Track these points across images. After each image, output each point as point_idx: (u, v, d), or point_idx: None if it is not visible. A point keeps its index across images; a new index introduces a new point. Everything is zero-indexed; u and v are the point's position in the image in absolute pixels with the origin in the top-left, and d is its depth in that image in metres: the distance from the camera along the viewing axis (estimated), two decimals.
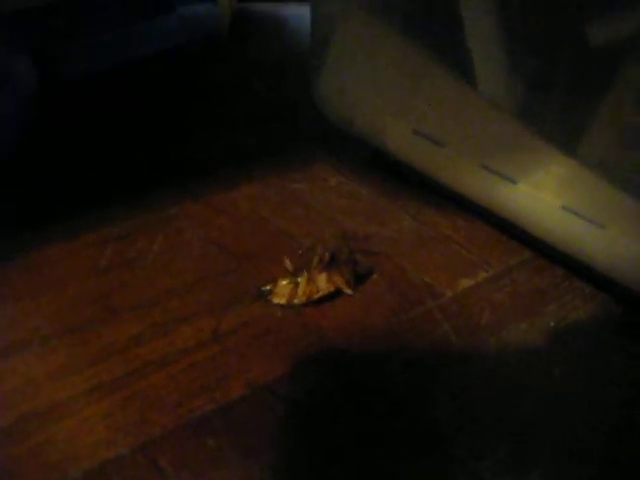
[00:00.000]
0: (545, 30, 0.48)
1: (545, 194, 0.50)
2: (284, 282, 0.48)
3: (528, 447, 0.39)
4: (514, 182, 0.51)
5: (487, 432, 0.40)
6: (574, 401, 0.42)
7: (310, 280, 0.48)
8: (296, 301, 0.47)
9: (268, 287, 0.48)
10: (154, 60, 0.77)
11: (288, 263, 0.50)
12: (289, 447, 0.38)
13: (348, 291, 0.48)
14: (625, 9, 0.44)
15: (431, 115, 0.56)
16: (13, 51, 0.59)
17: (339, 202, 0.59)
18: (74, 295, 0.48)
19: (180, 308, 0.47)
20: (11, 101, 0.58)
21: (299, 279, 0.48)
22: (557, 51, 0.48)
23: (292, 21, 0.97)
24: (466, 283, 0.50)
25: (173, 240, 0.53)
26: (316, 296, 0.47)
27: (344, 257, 0.50)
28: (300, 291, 0.47)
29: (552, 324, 0.47)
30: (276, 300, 0.47)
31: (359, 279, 0.50)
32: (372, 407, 0.41)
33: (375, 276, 0.50)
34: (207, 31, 0.80)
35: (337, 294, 0.48)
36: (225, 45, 0.86)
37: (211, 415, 0.40)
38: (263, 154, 0.65)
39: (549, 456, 0.38)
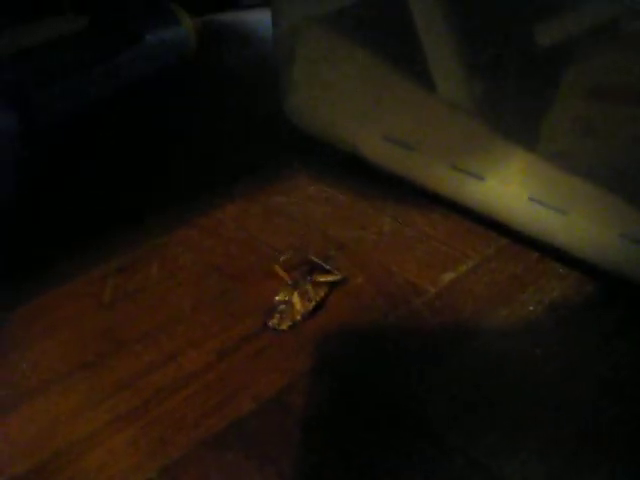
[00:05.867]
0: (494, 30, 0.51)
1: (512, 187, 0.53)
2: (282, 306, 0.51)
3: (518, 429, 0.42)
4: (482, 179, 0.54)
5: (481, 421, 0.43)
6: (556, 379, 0.45)
7: (303, 293, 0.51)
8: (298, 318, 0.50)
9: (274, 320, 0.50)
10: (128, 93, 0.79)
11: (281, 271, 0.53)
12: (300, 453, 0.42)
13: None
14: (569, 12, 0.47)
15: (398, 121, 0.59)
16: None
17: (319, 210, 0.62)
18: (84, 332, 0.51)
19: (184, 333, 0.50)
20: None
21: (293, 297, 0.51)
22: (508, 50, 0.51)
23: (260, 28, 0.99)
24: (448, 277, 0.54)
25: (169, 267, 0.56)
26: (310, 307, 0.51)
27: (318, 270, 0.53)
28: (298, 307, 0.50)
29: (531, 308, 0.50)
30: (283, 327, 0.50)
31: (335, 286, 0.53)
32: (373, 412, 0.44)
33: (361, 280, 0.54)
34: (175, 56, 0.82)
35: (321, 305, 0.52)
36: (194, 64, 0.88)
37: (225, 431, 0.43)
38: (243, 171, 0.68)
39: (536, 436, 0.42)
